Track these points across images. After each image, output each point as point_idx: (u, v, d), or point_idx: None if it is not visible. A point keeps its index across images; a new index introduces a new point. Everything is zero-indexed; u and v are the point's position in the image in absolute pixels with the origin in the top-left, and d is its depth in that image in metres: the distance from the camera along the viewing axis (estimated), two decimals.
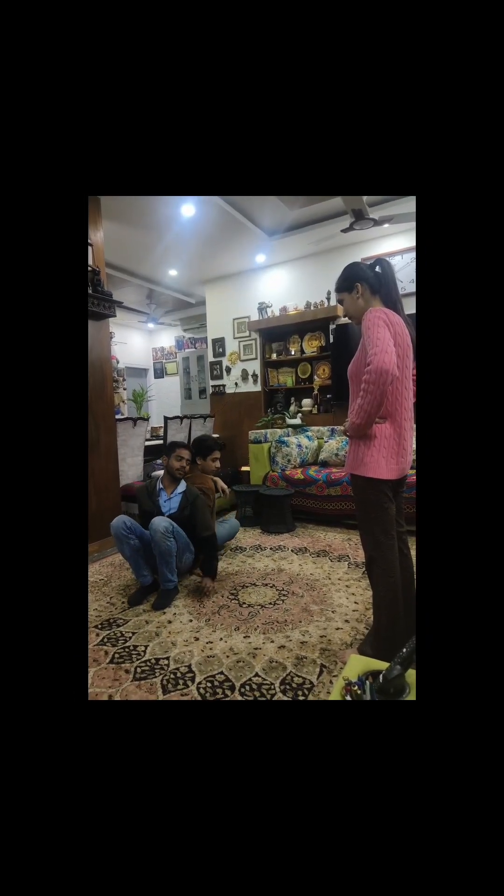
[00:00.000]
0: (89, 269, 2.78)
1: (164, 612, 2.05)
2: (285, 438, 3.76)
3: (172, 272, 4.70)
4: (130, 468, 3.51)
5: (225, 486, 2.71)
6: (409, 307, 1.64)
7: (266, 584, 2.33)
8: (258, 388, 4.90)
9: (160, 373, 7.60)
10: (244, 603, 2.12)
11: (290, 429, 4.17)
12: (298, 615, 1.97)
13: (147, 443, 3.84)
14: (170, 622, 1.95)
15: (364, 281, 1.46)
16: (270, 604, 2.09)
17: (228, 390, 5.17)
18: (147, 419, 3.76)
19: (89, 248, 2.81)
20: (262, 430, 3.93)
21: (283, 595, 2.19)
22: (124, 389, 6.56)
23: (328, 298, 4.27)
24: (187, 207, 3.28)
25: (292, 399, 4.72)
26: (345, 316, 1.63)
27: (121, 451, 3.34)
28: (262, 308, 4.69)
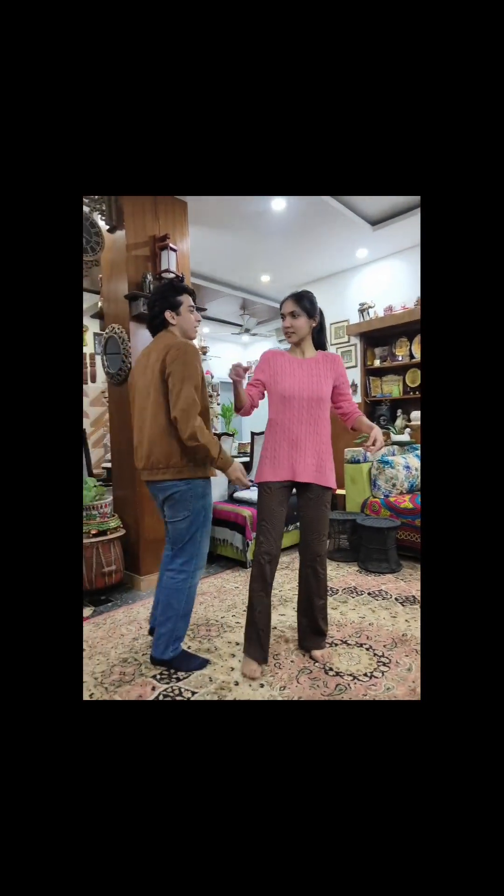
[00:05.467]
0: (173, 274, 2.68)
1: (232, 671, 1.68)
2: (390, 458, 3.19)
3: (265, 278, 4.46)
4: (212, 488, 3.26)
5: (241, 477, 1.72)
6: None
7: (360, 645, 1.83)
8: (358, 398, 4.37)
9: None
10: (331, 669, 1.65)
11: (395, 446, 3.56)
12: (404, 698, 1.44)
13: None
14: (237, 684, 1.57)
15: None
16: (366, 675, 1.60)
17: None
18: (233, 434, 3.50)
19: (174, 254, 2.70)
20: (362, 448, 3.41)
21: (383, 663, 1.67)
22: (218, 404, 6.50)
23: None
24: (277, 201, 2.98)
25: (399, 411, 4.10)
26: None
27: None
28: (363, 310, 4.19)
